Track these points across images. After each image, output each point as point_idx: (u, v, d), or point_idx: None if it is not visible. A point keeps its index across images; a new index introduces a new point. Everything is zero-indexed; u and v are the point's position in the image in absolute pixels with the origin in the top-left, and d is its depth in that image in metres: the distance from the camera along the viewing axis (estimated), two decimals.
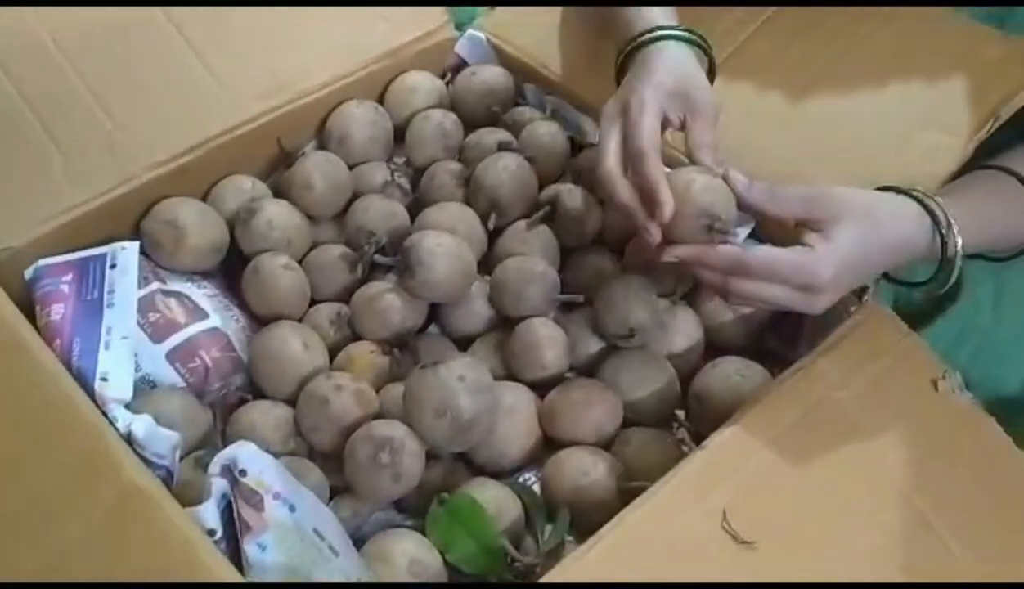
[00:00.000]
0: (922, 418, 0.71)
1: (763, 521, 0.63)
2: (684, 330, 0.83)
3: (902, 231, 0.69)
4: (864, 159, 0.82)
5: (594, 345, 0.82)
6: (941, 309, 0.80)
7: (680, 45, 0.76)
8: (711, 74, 0.79)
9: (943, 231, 0.69)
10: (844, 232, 0.67)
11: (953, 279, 0.71)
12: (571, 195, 0.87)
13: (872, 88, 0.85)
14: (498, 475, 0.75)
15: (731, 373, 0.79)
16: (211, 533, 0.62)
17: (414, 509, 0.73)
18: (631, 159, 0.71)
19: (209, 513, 0.62)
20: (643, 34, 0.77)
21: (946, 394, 0.72)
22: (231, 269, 0.87)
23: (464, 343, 0.84)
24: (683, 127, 0.74)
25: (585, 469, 0.72)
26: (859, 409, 0.70)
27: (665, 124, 0.73)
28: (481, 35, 0.99)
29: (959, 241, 0.69)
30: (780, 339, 0.85)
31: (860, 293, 0.78)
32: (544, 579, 0.60)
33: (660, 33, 0.76)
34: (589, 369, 0.81)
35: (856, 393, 0.71)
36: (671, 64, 0.74)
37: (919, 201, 0.70)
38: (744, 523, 0.63)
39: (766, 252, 0.68)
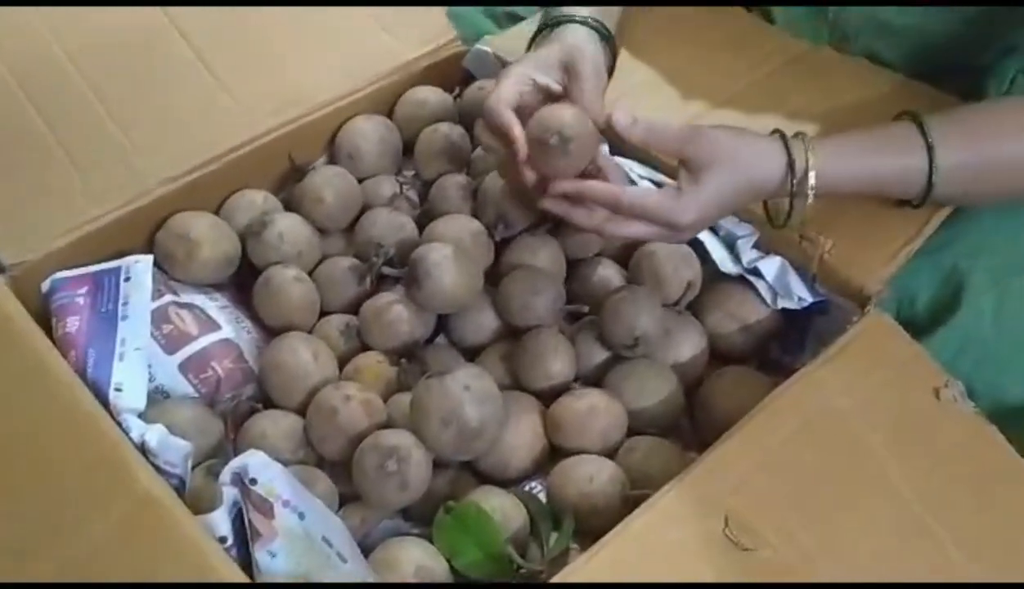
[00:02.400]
0: (924, 427, 0.72)
1: (765, 528, 0.64)
2: (689, 340, 0.83)
3: (762, 173, 0.75)
4: None
5: (600, 355, 0.83)
6: (942, 319, 0.80)
7: (577, 28, 0.82)
8: (612, 56, 0.86)
9: (795, 175, 0.74)
10: (711, 178, 0.73)
11: (796, 217, 0.77)
12: None
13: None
14: (504, 483, 0.75)
15: (735, 382, 0.80)
16: (222, 540, 0.62)
17: (421, 517, 0.74)
18: (486, 117, 0.77)
19: (220, 521, 0.63)
20: (552, 19, 0.84)
21: (948, 403, 0.73)
22: (243, 281, 0.88)
23: (471, 353, 0.85)
24: (567, 93, 0.78)
25: (590, 477, 0.72)
26: (861, 418, 0.70)
27: (548, 91, 0.79)
28: (488, 50, 1.01)
29: (811, 183, 0.74)
30: (784, 348, 0.86)
31: (863, 303, 0.79)
32: (548, 584, 0.60)
33: (562, 17, 0.83)
34: (595, 378, 0.82)
35: (858, 402, 0.71)
36: (560, 43, 0.80)
37: (783, 142, 0.75)
38: (746, 530, 0.63)
39: (637, 194, 0.74)
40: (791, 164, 0.74)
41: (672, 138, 0.74)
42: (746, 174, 0.74)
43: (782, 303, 0.83)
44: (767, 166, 0.74)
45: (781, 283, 0.83)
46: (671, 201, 0.73)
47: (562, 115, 0.74)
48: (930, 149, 0.75)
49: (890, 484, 0.68)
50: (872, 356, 0.74)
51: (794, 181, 0.74)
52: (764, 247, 0.85)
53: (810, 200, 0.75)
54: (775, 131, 0.77)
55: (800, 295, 0.82)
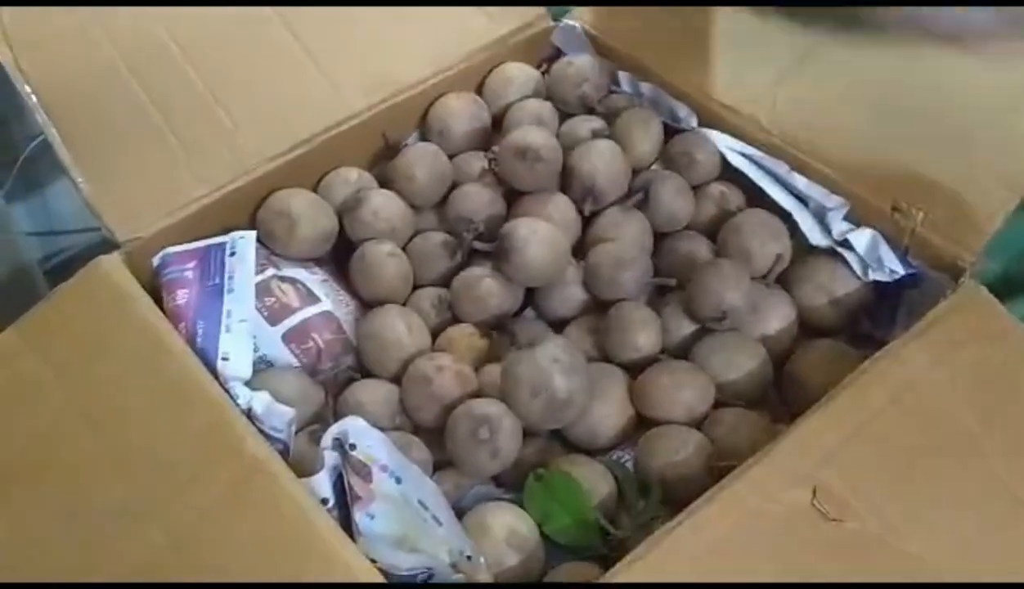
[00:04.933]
0: (1018, 401, 0.70)
1: (853, 501, 0.64)
2: (778, 313, 0.83)
3: None
4: (962, 143, 0.81)
5: (687, 328, 0.83)
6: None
7: None
8: None
9: None
10: None
11: None
12: (664, 181, 0.88)
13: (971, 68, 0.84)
14: (592, 452, 0.77)
15: (824, 355, 0.80)
16: (324, 502, 0.65)
17: (512, 483, 0.75)
18: None
19: (322, 483, 0.66)
20: None
21: None
22: (341, 256, 0.90)
23: (559, 326, 0.86)
24: None
25: (677, 447, 0.73)
26: (952, 392, 0.69)
27: None
28: (576, 25, 1.01)
29: None
30: (874, 321, 0.85)
31: (957, 275, 0.78)
32: (634, 551, 0.61)
33: None
34: (682, 351, 0.82)
35: (950, 375, 0.70)
36: None
37: None
38: (834, 502, 0.63)
39: None
40: None
41: None
42: None
43: (873, 275, 0.82)
44: None
45: (872, 255, 0.82)
46: None
47: None
48: None
49: (982, 459, 0.67)
50: (965, 329, 0.72)
51: None
52: (855, 219, 0.84)
53: None
54: None
55: (892, 267, 0.81)
